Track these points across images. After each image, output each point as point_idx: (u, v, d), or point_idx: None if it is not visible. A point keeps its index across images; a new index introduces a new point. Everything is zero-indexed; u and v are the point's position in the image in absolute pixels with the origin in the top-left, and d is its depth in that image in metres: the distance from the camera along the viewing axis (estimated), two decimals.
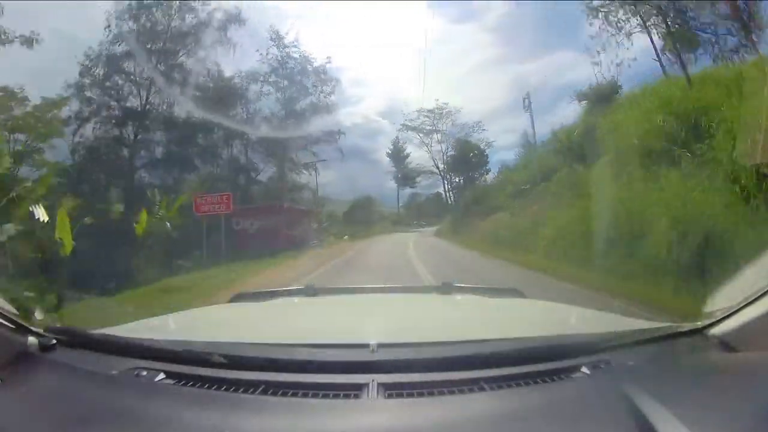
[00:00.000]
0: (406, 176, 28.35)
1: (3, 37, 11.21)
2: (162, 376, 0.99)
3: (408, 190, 30.48)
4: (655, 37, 12.99)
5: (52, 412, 0.88)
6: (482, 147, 25.70)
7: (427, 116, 25.87)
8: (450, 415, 0.83)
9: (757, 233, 4.99)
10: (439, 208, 29.64)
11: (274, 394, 0.91)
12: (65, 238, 7.03)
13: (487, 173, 25.90)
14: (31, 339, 1.10)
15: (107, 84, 15.76)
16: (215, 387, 0.94)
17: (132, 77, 15.74)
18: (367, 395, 0.89)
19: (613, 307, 3.78)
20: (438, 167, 27.30)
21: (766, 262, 1.13)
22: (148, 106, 15.96)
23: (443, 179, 28.18)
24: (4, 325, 1.06)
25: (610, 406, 0.84)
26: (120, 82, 15.85)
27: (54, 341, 1.13)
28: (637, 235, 6.90)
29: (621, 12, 13.90)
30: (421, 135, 26.57)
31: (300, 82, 20.36)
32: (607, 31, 14.32)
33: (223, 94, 16.91)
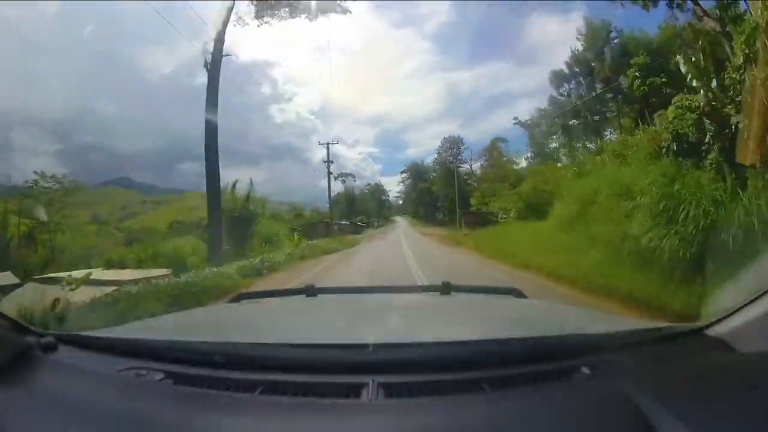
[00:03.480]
0: None
1: None
2: (162, 376, 0.99)
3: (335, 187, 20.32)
4: None
5: (52, 412, 0.88)
6: None
7: None
8: (449, 416, 0.83)
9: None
10: (376, 202, 22.28)
11: (274, 394, 0.91)
12: None
13: None
14: (31, 339, 1.10)
15: None
16: (215, 387, 0.94)
17: None
18: (367, 396, 0.89)
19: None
20: None
21: (765, 263, 1.13)
22: None
23: None
24: (4, 325, 1.06)
25: (610, 406, 0.84)
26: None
27: (54, 341, 1.13)
28: None
29: None
30: None
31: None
32: None
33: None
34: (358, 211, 23.15)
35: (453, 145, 23.90)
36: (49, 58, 17.71)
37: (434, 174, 24.34)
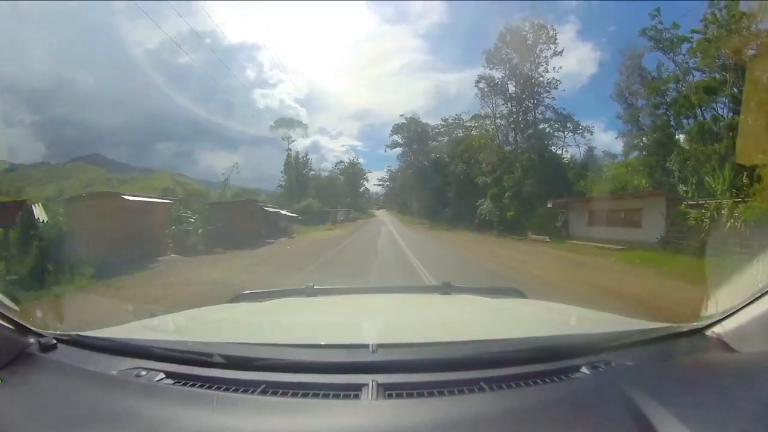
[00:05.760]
0: None
1: None
2: (162, 376, 0.99)
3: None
4: None
5: (52, 412, 0.88)
6: None
7: None
8: (449, 416, 0.83)
9: None
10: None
11: (274, 394, 0.91)
12: None
13: None
14: (31, 339, 1.10)
15: None
16: (215, 387, 0.94)
17: None
18: (367, 395, 0.89)
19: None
20: None
21: (764, 263, 1.13)
22: None
23: None
24: (4, 325, 1.06)
25: (610, 406, 0.84)
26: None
27: (54, 341, 1.13)
28: None
29: None
30: None
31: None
32: None
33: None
34: (324, 196, 15.93)
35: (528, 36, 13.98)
36: (33, 25, 17.44)
37: (460, 131, 14.12)
